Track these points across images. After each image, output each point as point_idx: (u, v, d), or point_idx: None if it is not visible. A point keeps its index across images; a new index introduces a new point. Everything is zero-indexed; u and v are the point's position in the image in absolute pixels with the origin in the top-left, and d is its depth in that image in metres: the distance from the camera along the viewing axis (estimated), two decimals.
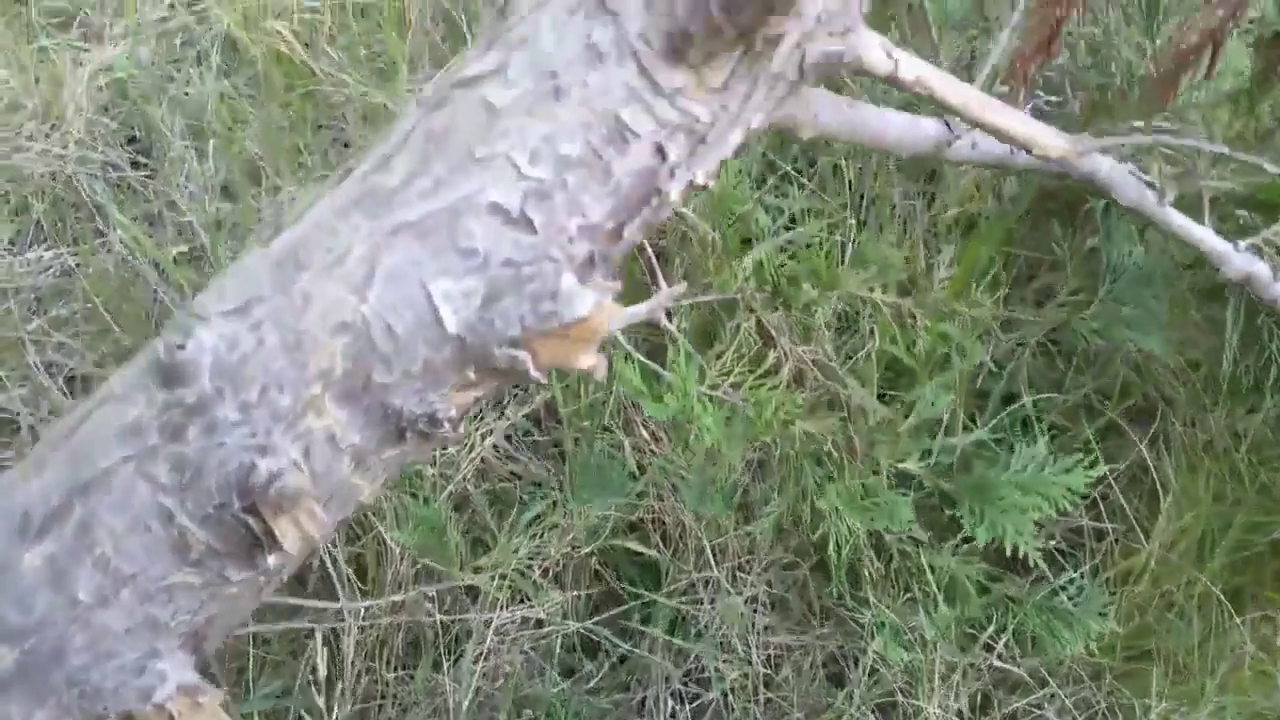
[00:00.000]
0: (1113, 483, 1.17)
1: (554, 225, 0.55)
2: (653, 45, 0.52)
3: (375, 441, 0.57)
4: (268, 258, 0.55)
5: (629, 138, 0.54)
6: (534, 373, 0.55)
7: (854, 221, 1.11)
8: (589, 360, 0.56)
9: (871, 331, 1.14)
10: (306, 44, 1.49)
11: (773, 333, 1.00)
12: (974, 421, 1.24)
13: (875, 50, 0.61)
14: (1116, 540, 1.19)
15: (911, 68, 0.62)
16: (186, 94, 1.50)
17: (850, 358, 1.17)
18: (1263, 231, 0.76)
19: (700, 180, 0.59)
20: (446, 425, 0.58)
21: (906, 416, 1.06)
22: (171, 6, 1.55)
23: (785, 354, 1.02)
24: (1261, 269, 0.79)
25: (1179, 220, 0.74)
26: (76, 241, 1.34)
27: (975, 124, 0.65)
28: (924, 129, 0.77)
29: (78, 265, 1.33)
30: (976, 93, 0.64)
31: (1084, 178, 0.70)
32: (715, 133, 0.56)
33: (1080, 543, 1.19)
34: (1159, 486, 1.16)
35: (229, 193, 1.40)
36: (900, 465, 0.94)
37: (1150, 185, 0.72)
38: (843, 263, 1.17)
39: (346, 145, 1.47)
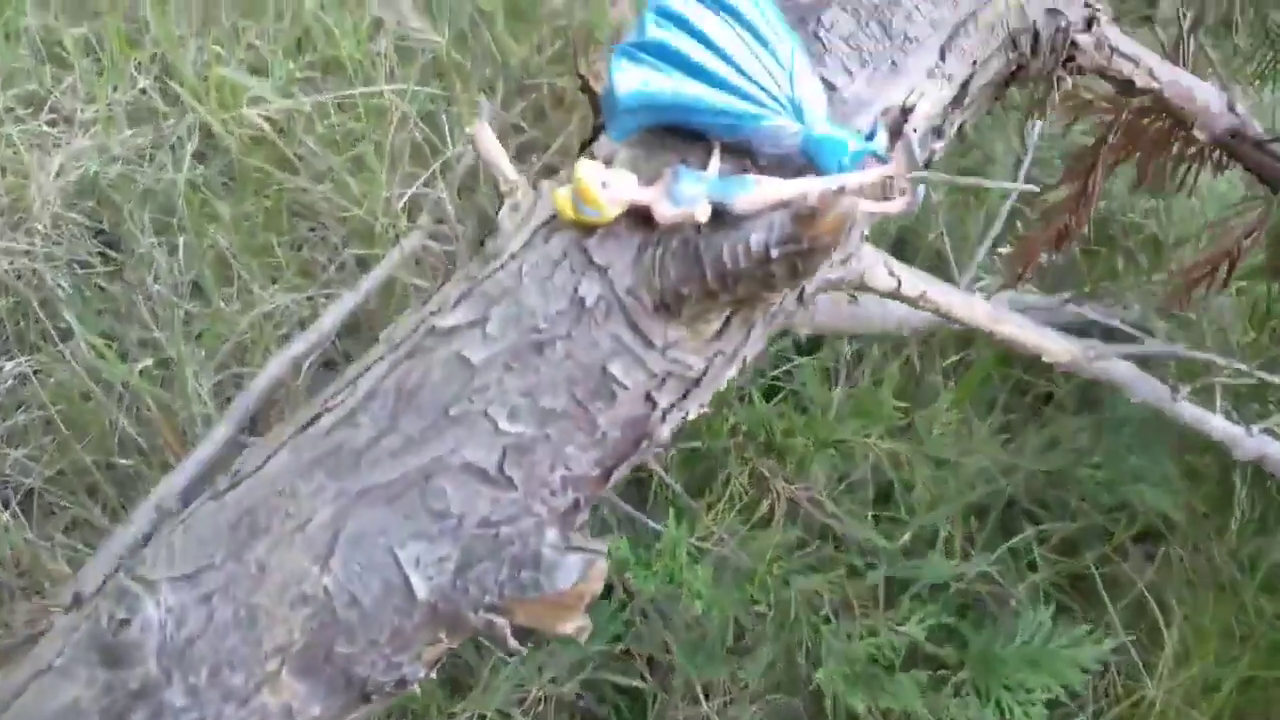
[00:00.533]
0: (1114, 615, 1.13)
1: (535, 479, 0.51)
2: (643, 301, 0.48)
3: (337, 709, 0.52)
4: (222, 515, 0.51)
5: (617, 390, 0.50)
6: (512, 642, 0.51)
7: (849, 349, 1.07)
8: (573, 624, 0.52)
9: (866, 456, 1.10)
10: (282, 130, 1.44)
11: (766, 474, 0.96)
12: (972, 543, 1.20)
13: (878, 269, 0.58)
14: (1120, 671, 1.15)
15: (914, 284, 0.58)
16: (159, 181, 1.45)
17: (843, 479, 1.13)
18: (1275, 416, 0.72)
19: (694, 415, 0.55)
20: (414, 684, 0.53)
21: (903, 537, 1.02)
22: (143, 92, 1.50)
23: (778, 495, 0.98)
24: (1275, 449, 0.76)
25: (1192, 413, 0.70)
26: (37, 349, 1.29)
27: (984, 334, 0.61)
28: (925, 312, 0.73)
29: (36, 373, 1.27)
30: (984, 305, 0.60)
31: (1094, 378, 0.67)
32: (710, 375, 0.52)
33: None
34: (1162, 620, 1.13)
35: (200, 290, 1.36)
36: (900, 629, 0.90)
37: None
38: (836, 384, 1.13)
39: (323, 239, 1.42)
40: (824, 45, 0.47)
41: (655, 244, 0.47)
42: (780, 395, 1.03)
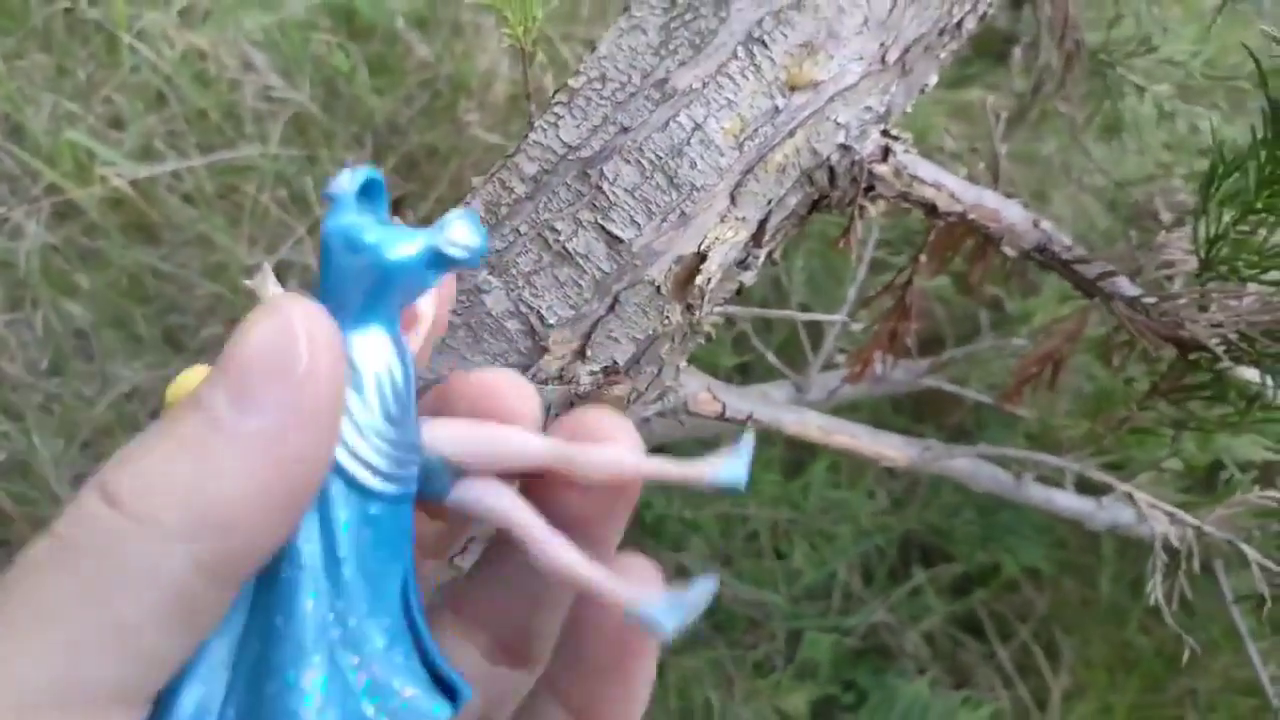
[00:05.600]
0: (1005, 660, 1.14)
1: None
2: None
3: None
4: None
5: None
6: None
7: None
8: None
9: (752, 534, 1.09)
10: (144, 192, 1.38)
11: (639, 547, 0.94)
12: (868, 579, 1.20)
13: (701, 395, 0.56)
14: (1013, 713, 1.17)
15: (740, 407, 0.56)
16: (11, 250, 1.38)
17: (723, 559, 1.11)
18: (1124, 486, 0.72)
19: None
20: None
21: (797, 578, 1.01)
22: None
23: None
24: (1126, 514, 0.76)
25: (1040, 495, 0.70)
26: None
27: (822, 446, 0.60)
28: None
29: None
30: (815, 419, 0.59)
31: (936, 474, 0.66)
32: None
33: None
34: (1047, 666, 1.14)
35: (58, 367, 1.29)
36: (782, 707, 0.88)
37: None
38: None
39: (189, 305, 1.36)
40: (609, 198, 0.45)
41: None
42: None
